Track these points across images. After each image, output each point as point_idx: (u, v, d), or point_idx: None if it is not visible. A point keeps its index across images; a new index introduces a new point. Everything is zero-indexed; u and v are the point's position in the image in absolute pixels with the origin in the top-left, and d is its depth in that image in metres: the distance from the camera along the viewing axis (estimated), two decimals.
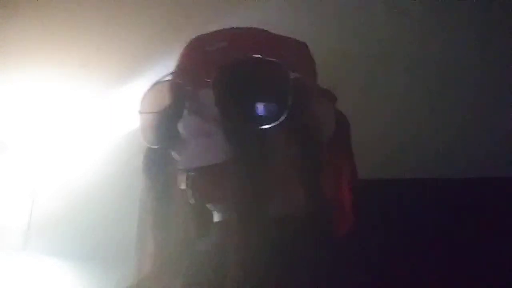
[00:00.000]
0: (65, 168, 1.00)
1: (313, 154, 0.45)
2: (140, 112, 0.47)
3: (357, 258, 0.42)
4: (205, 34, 0.47)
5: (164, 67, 0.97)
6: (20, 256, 0.96)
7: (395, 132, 0.84)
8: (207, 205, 0.45)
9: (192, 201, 0.42)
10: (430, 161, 0.81)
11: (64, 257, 0.96)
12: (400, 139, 0.83)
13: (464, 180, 0.71)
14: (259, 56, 0.41)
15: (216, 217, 0.47)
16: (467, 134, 0.83)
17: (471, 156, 0.80)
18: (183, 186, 0.41)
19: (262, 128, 0.40)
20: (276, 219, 0.41)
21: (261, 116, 0.41)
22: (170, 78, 0.45)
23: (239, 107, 0.41)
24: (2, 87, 1.04)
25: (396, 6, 0.88)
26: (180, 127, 0.41)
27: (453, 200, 0.69)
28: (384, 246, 0.45)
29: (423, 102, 0.86)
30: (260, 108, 0.41)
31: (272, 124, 0.40)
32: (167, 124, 0.43)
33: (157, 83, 0.45)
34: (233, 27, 0.47)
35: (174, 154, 0.44)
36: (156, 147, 0.45)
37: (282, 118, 0.40)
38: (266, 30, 0.47)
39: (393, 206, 0.65)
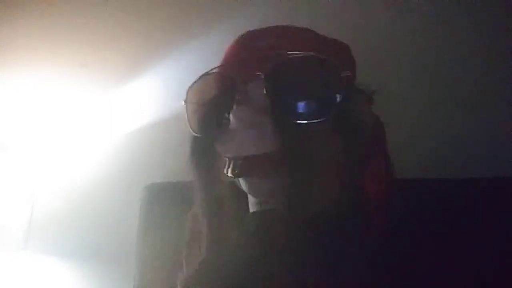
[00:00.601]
0: (66, 168, 1.00)
1: (356, 152, 0.47)
2: (186, 102, 0.48)
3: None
4: (255, 30, 0.49)
5: (165, 68, 0.98)
6: (20, 256, 0.96)
7: (395, 132, 0.84)
8: (250, 194, 0.46)
9: (240, 187, 0.44)
10: (430, 161, 0.82)
11: (64, 257, 0.96)
12: (400, 139, 0.84)
13: (464, 180, 0.71)
14: (312, 53, 0.43)
15: (252, 208, 0.47)
16: (467, 134, 0.83)
17: (471, 156, 0.80)
18: (230, 173, 0.43)
19: (310, 123, 0.42)
20: (317, 212, 0.42)
21: (309, 111, 0.42)
22: (218, 71, 0.47)
23: (289, 101, 0.42)
24: (2, 88, 1.04)
25: (396, 5, 0.89)
26: (231, 117, 0.42)
27: (453, 200, 0.69)
28: (385, 246, 0.46)
29: (423, 102, 0.86)
30: (309, 103, 0.43)
31: (320, 120, 0.42)
32: (214, 114, 0.45)
33: (205, 74, 0.47)
34: (282, 25, 0.49)
35: (218, 144, 0.45)
36: (202, 135, 0.47)
37: (331, 114, 0.42)
38: (313, 30, 0.49)
39: (397, 206, 0.65)
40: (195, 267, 0.49)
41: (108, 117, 0.99)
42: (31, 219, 0.96)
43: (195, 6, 0.97)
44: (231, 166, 0.43)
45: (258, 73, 0.42)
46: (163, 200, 0.80)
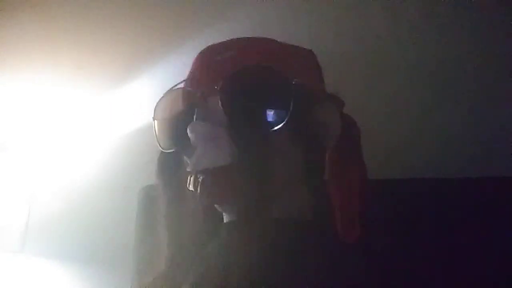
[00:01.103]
0: (64, 169, 1.00)
1: (317, 158, 0.47)
2: (154, 118, 0.49)
3: (358, 260, 0.42)
4: (216, 44, 0.50)
5: (162, 69, 0.98)
6: (18, 258, 0.95)
7: (394, 133, 0.84)
8: (215, 206, 0.46)
9: (200, 202, 0.44)
10: (429, 161, 0.81)
11: (62, 259, 0.95)
12: (399, 139, 0.83)
13: (464, 180, 0.71)
14: (261, 64, 0.44)
15: (225, 218, 0.48)
16: (467, 134, 0.83)
17: (471, 156, 0.80)
18: (191, 187, 0.44)
19: (267, 133, 0.42)
20: (280, 221, 0.43)
21: (266, 121, 0.43)
22: (182, 86, 0.48)
23: (245, 113, 0.43)
24: (1, 88, 1.04)
25: (394, 7, 0.89)
26: (188, 132, 0.43)
27: (453, 200, 0.68)
28: (385, 247, 0.45)
29: (423, 102, 0.86)
30: (264, 113, 0.43)
31: (275, 128, 0.42)
32: (178, 129, 0.46)
33: (170, 90, 0.48)
34: (242, 37, 0.49)
35: (185, 158, 0.46)
36: (169, 151, 0.48)
37: (285, 122, 0.42)
38: (274, 40, 0.50)
39: (392, 206, 0.65)
40: (151, 279, 0.49)
41: (106, 119, 0.99)
42: (29, 221, 0.96)
43: (192, 7, 0.97)
44: (191, 179, 0.44)
45: (216, 87, 0.43)
46: None
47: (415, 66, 0.87)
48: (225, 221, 0.49)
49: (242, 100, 0.43)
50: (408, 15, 0.89)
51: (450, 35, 0.87)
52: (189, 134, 0.43)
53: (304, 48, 0.52)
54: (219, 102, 0.43)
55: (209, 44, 0.50)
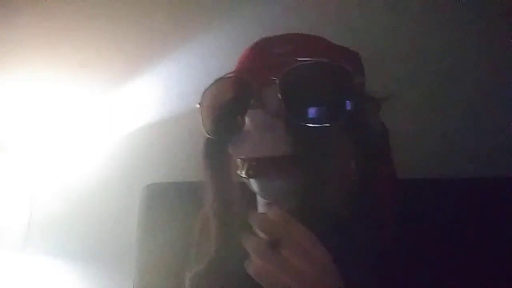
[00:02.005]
0: (65, 168, 1.00)
1: (366, 156, 0.48)
2: (201, 105, 0.50)
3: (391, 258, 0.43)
4: (270, 37, 0.51)
5: (165, 68, 0.98)
6: (19, 257, 0.95)
7: (395, 132, 0.84)
8: (261, 196, 0.46)
9: (251, 188, 0.46)
10: (429, 161, 0.81)
11: (64, 257, 0.95)
12: (400, 139, 0.84)
13: (465, 180, 0.71)
14: (326, 60, 0.45)
15: (261, 209, 0.50)
16: (467, 133, 0.83)
17: (471, 156, 0.80)
18: (244, 174, 0.45)
19: (322, 127, 0.43)
20: (329, 213, 0.43)
21: (322, 116, 0.44)
22: (234, 75, 0.49)
23: (302, 106, 0.44)
24: (2, 88, 1.04)
25: (396, 5, 0.89)
26: (246, 120, 0.44)
27: (453, 200, 0.69)
28: (385, 246, 0.46)
29: (423, 101, 0.86)
30: (321, 108, 0.44)
31: (332, 124, 0.43)
32: (229, 117, 0.47)
33: (221, 79, 0.49)
34: (297, 33, 0.51)
35: (231, 146, 0.47)
36: (215, 138, 0.48)
37: (342, 119, 0.44)
38: (325, 39, 0.51)
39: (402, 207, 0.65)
40: (203, 266, 0.50)
41: (107, 118, 0.99)
42: (31, 220, 0.96)
43: (194, 7, 0.97)
44: (245, 167, 0.45)
45: (273, 78, 0.44)
46: (163, 200, 0.80)
47: (415, 65, 0.87)
48: (259, 212, 0.49)
49: (302, 94, 0.44)
50: (409, 15, 0.89)
51: (451, 34, 0.87)
52: (248, 121, 0.44)
53: (352, 50, 0.53)
54: (279, 94, 0.43)
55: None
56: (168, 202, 0.79)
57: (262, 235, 0.39)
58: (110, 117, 0.99)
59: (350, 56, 0.52)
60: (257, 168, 0.44)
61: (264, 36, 0.51)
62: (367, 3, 0.90)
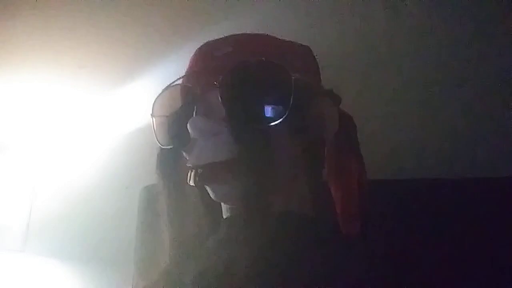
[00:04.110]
0: (65, 168, 1.00)
1: (316, 153, 0.47)
2: (152, 115, 0.49)
3: (357, 258, 0.42)
4: (213, 40, 0.50)
5: (163, 68, 0.98)
6: (19, 257, 0.95)
7: (395, 132, 0.84)
8: (217, 200, 0.46)
9: (200, 197, 0.46)
10: (429, 161, 0.81)
11: (63, 258, 0.95)
12: (400, 139, 0.84)
13: (464, 180, 0.71)
14: (262, 58, 0.44)
15: (225, 214, 0.48)
16: (467, 133, 0.83)
17: (471, 156, 0.80)
18: (192, 183, 0.44)
19: (266, 127, 0.42)
20: (280, 215, 0.43)
21: (265, 116, 0.43)
22: (180, 82, 0.48)
23: (245, 108, 0.43)
24: (2, 87, 1.04)
25: (395, 6, 0.89)
26: (189, 127, 0.43)
27: (453, 200, 0.69)
28: (385, 246, 0.45)
29: (423, 102, 0.86)
30: (264, 108, 0.43)
31: (275, 123, 0.42)
32: (177, 125, 0.46)
33: (168, 87, 0.49)
34: (239, 33, 0.50)
35: (185, 154, 0.47)
36: (168, 147, 0.48)
37: (284, 117, 0.42)
38: (271, 35, 0.50)
39: (392, 206, 0.65)
40: (156, 276, 0.50)
41: (106, 118, 0.99)
42: (30, 220, 0.96)
43: (193, 7, 0.97)
44: (192, 175, 0.44)
45: (215, 82, 0.43)
46: None
47: (415, 65, 0.87)
48: (225, 217, 0.49)
49: (242, 95, 0.43)
50: (409, 14, 0.89)
51: (451, 33, 0.87)
52: (190, 130, 0.43)
53: (301, 44, 0.52)
54: (219, 97, 0.43)
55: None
56: None
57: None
58: (109, 118, 0.99)
59: (298, 52, 0.51)
60: (203, 175, 0.43)
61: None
62: (363, 3, 0.90)
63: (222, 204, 0.49)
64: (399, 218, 0.65)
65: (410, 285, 0.39)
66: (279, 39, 0.50)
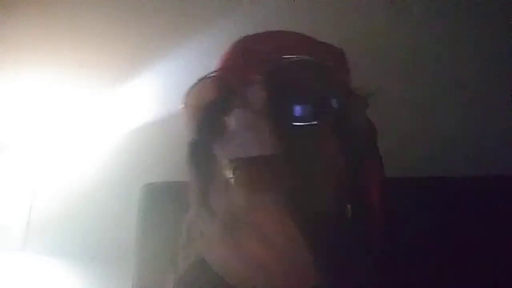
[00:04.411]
0: (65, 168, 1.00)
1: (354, 154, 0.47)
2: (184, 106, 0.49)
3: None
4: (252, 35, 0.50)
5: (164, 67, 0.98)
6: (19, 257, 0.95)
7: (395, 132, 0.84)
8: (249, 195, 0.46)
9: (237, 190, 0.44)
10: (429, 161, 0.82)
11: (63, 257, 0.95)
12: (400, 139, 0.84)
13: (463, 178, 0.71)
14: (310, 57, 0.44)
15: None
16: (467, 133, 0.83)
17: (470, 155, 0.80)
18: (229, 175, 0.43)
19: (307, 125, 0.43)
20: (315, 214, 0.42)
21: (306, 114, 0.43)
22: (216, 74, 0.48)
23: (287, 104, 0.43)
24: (2, 87, 1.04)
25: (396, 5, 0.89)
26: (230, 120, 0.43)
27: (453, 199, 0.69)
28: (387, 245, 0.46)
29: (423, 101, 0.86)
30: (306, 106, 0.44)
31: (317, 122, 0.43)
32: (212, 117, 0.46)
33: (203, 78, 0.48)
34: (278, 31, 0.50)
35: (215, 146, 0.46)
36: (199, 139, 0.48)
37: (327, 117, 0.43)
38: (308, 36, 0.51)
39: (393, 205, 0.65)
40: (185, 269, 0.49)
41: (106, 117, 0.99)
42: (30, 219, 0.96)
43: (193, 7, 0.97)
44: (232, 168, 0.44)
45: (257, 77, 0.43)
46: (161, 199, 0.80)
47: (415, 65, 0.87)
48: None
49: (286, 92, 0.44)
50: (409, 14, 0.89)
51: (450, 35, 0.87)
52: (233, 121, 0.43)
53: (337, 47, 0.53)
54: (262, 93, 0.43)
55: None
56: (166, 201, 0.78)
57: (220, 213, 0.39)
58: (109, 117, 0.99)
59: (334, 53, 0.52)
60: (243, 168, 0.43)
61: (245, 35, 0.51)
62: (364, 1, 0.90)
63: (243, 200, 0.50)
64: (399, 217, 0.65)
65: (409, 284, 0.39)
66: (315, 39, 0.51)
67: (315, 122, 0.43)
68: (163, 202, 0.79)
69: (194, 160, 0.49)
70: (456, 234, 0.65)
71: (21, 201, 0.96)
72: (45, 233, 0.96)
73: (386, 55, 0.88)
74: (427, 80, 0.86)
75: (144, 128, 0.96)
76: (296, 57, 0.44)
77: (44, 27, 1.04)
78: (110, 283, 0.91)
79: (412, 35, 0.89)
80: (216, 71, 0.49)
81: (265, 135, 0.43)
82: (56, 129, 1.01)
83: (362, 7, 0.90)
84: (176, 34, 0.97)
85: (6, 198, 0.95)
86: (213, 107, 0.47)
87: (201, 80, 0.48)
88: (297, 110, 0.43)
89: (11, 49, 1.05)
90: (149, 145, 0.95)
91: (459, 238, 0.64)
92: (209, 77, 0.48)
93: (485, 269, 0.60)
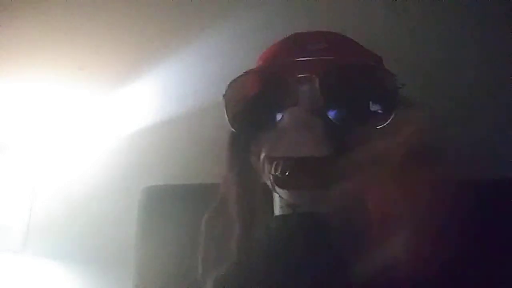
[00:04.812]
0: (65, 169, 1.00)
1: (399, 161, 0.46)
2: (225, 97, 0.48)
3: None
4: (304, 32, 0.50)
5: (165, 69, 0.98)
6: (18, 258, 0.95)
7: None
8: (287, 196, 0.45)
9: (285, 187, 0.44)
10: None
11: (63, 259, 0.95)
12: None
13: (464, 181, 0.71)
14: (366, 62, 0.45)
15: (284, 210, 0.47)
16: (466, 133, 0.83)
17: (471, 156, 0.80)
18: (279, 173, 0.43)
19: (365, 129, 0.42)
20: (360, 221, 0.41)
21: (361, 117, 0.43)
22: (265, 69, 0.47)
23: (342, 106, 0.43)
24: (1, 88, 1.04)
25: (395, 5, 0.89)
26: (285, 117, 0.42)
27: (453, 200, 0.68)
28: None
29: (422, 101, 0.86)
30: (361, 110, 0.43)
31: (377, 127, 0.43)
32: (258, 112, 0.45)
33: (249, 71, 0.47)
34: (326, 31, 0.50)
35: (260, 142, 0.45)
36: (240, 132, 0.47)
37: (386, 123, 0.43)
38: (353, 39, 0.51)
39: None
40: (225, 270, 0.48)
41: (106, 120, 0.99)
42: (30, 221, 0.96)
43: (194, 8, 0.96)
44: (280, 165, 0.43)
45: (313, 76, 0.43)
46: (162, 202, 0.79)
47: (415, 64, 0.87)
48: (280, 213, 0.48)
49: (342, 94, 0.43)
50: (409, 14, 0.89)
51: (451, 34, 0.87)
52: (287, 118, 0.42)
53: (376, 54, 0.53)
54: (319, 92, 0.42)
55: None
56: (167, 204, 0.78)
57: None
58: (109, 119, 0.99)
59: (376, 60, 0.52)
60: (294, 167, 0.42)
61: (296, 31, 0.50)
62: (366, 4, 0.90)
63: (278, 199, 0.48)
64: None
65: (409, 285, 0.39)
66: (361, 45, 0.51)
67: (373, 125, 0.42)
68: (163, 205, 0.79)
69: (234, 154, 0.49)
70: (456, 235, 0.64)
71: (21, 203, 0.95)
72: (45, 235, 0.96)
73: (387, 56, 0.88)
74: (428, 81, 0.86)
75: (144, 130, 0.96)
76: (353, 60, 0.45)
77: (44, 29, 1.04)
78: (110, 285, 0.91)
79: (413, 35, 0.88)
80: (263, 65, 0.49)
81: (317, 136, 0.42)
82: (56, 131, 1.01)
83: (363, 10, 0.90)
84: (176, 36, 0.96)
85: (6, 199, 0.94)
86: (258, 101, 0.46)
87: (246, 73, 0.47)
88: (352, 112, 0.43)
89: (11, 50, 1.05)
90: (149, 148, 0.95)
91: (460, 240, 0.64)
92: (256, 71, 0.48)
93: (484, 270, 0.60)
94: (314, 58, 0.45)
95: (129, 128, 0.97)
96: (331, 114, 0.42)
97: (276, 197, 0.49)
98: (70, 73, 1.01)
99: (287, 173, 0.42)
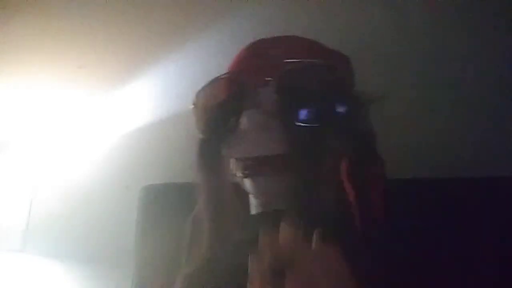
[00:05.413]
0: (64, 168, 1.00)
1: (359, 158, 0.48)
2: (195, 106, 0.50)
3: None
4: (265, 38, 0.52)
5: (163, 69, 0.98)
6: (19, 257, 0.95)
7: (394, 132, 0.84)
8: (256, 195, 0.47)
9: (235, 189, 0.47)
10: (428, 161, 0.81)
11: (62, 258, 0.95)
12: (399, 139, 0.84)
13: (464, 179, 0.71)
14: (323, 62, 0.46)
15: (257, 208, 0.49)
16: (466, 133, 0.83)
17: (471, 156, 0.80)
18: (240, 174, 0.46)
19: (317, 127, 0.44)
20: (322, 214, 0.43)
21: (316, 116, 0.45)
22: (229, 76, 0.49)
23: (297, 106, 0.44)
24: (2, 87, 1.04)
25: (395, 6, 0.89)
26: (243, 119, 0.44)
27: (453, 199, 0.68)
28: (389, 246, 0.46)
29: (423, 102, 0.86)
30: (316, 108, 0.45)
31: (326, 124, 0.44)
32: (223, 117, 0.47)
33: (216, 79, 0.49)
34: (290, 35, 0.52)
35: (225, 146, 0.47)
36: (209, 138, 0.49)
37: (336, 119, 0.45)
38: (317, 41, 0.52)
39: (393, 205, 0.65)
40: (195, 267, 0.50)
41: (106, 118, 0.99)
42: (30, 220, 0.96)
43: (193, 8, 0.97)
44: (240, 167, 0.45)
45: (268, 79, 0.44)
46: (161, 201, 0.80)
47: (414, 65, 0.87)
48: (252, 213, 0.50)
49: (297, 94, 0.45)
50: (409, 14, 0.89)
51: (450, 35, 0.87)
52: (245, 121, 0.44)
53: (343, 54, 0.54)
54: (274, 94, 0.44)
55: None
56: (166, 203, 0.79)
57: (267, 257, 0.39)
58: (108, 118, 0.99)
59: (341, 59, 0.53)
60: (254, 167, 0.44)
61: (258, 38, 0.52)
62: (364, 3, 0.90)
63: (252, 199, 0.50)
64: (398, 218, 0.65)
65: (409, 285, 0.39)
66: (324, 45, 0.52)
67: (322, 124, 0.44)
68: (162, 204, 0.79)
69: (203, 159, 0.50)
70: (456, 236, 0.65)
71: (21, 202, 0.96)
72: (44, 234, 0.96)
73: (387, 58, 0.88)
74: (428, 82, 0.86)
75: (143, 129, 0.96)
76: (307, 62, 0.46)
77: (43, 29, 1.04)
78: (110, 284, 0.91)
79: (411, 35, 0.88)
80: (228, 72, 0.51)
81: (274, 135, 0.44)
82: (55, 130, 1.01)
83: (362, 8, 0.90)
84: (175, 35, 0.97)
85: (6, 199, 0.95)
86: (222, 107, 0.48)
87: (213, 81, 0.50)
88: (306, 111, 0.44)
89: (11, 49, 1.05)
90: (148, 146, 0.95)
91: (459, 239, 0.64)
92: (221, 78, 0.49)
93: (485, 270, 0.60)
94: (272, 62, 0.47)
95: (128, 127, 0.97)
96: (297, 115, 0.44)
97: (251, 198, 0.51)
98: (69, 72, 1.01)
99: (246, 172, 0.45)
